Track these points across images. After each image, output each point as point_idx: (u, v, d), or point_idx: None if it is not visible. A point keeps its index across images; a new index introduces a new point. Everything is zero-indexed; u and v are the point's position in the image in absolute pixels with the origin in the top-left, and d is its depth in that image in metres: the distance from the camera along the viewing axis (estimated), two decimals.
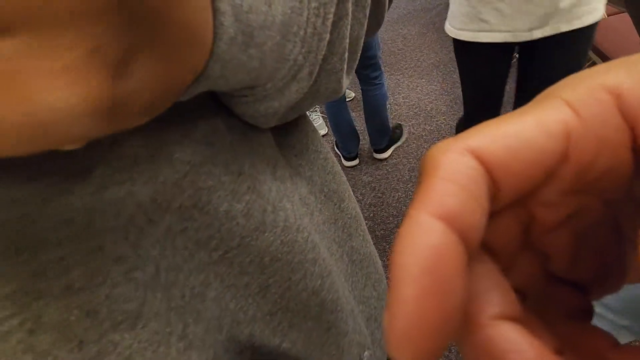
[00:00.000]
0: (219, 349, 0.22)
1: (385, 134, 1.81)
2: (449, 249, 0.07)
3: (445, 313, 0.07)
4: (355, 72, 1.57)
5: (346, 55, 0.22)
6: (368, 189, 1.76)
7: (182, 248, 0.19)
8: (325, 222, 0.30)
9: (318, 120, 2.08)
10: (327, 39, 0.20)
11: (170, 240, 0.19)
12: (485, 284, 0.09)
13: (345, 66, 0.23)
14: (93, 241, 0.16)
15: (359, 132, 1.85)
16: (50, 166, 0.15)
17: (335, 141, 1.90)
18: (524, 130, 0.08)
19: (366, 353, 0.32)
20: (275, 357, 0.26)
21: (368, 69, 1.59)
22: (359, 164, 1.89)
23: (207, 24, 0.13)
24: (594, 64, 1.67)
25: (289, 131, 0.29)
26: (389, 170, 1.82)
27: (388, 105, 1.78)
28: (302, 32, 0.18)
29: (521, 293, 0.10)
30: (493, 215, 0.09)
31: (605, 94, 0.08)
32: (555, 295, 0.11)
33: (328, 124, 2.07)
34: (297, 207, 0.25)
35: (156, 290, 0.18)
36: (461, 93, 1.33)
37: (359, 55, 0.26)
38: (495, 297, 0.08)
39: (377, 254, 0.39)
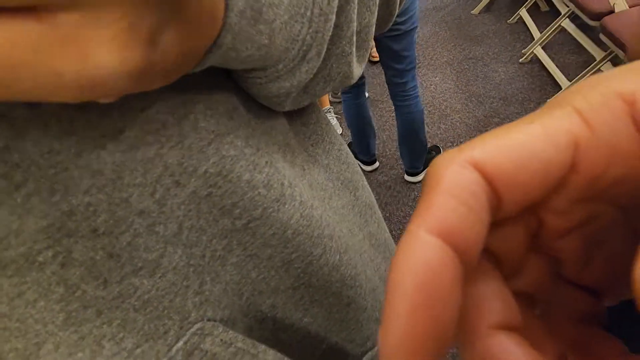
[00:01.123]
0: (237, 312, 0.23)
1: (422, 155, 1.61)
2: (443, 265, 0.07)
3: (437, 328, 0.07)
4: (388, 84, 1.44)
5: (354, 39, 0.24)
6: (384, 188, 1.76)
7: (206, 212, 0.21)
8: (344, 206, 0.32)
9: (333, 121, 2.09)
10: (333, 20, 0.21)
11: (195, 203, 0.20)
12: (486, 292, 0.09)
13: (354, 50, 0.24)
14: (119, 193, 0.18)
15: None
16: (85, 123, 0.17)
17: (352, 147, 1.79)
18: (531, 141, 0.08)
19: None
20: (297, 331, 0.27)
21: (405, 75, 1.40)
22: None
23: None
24: (615, 56, 1.63)
25: (305, 123, 0.30)
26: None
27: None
28: (309, 13, 0.19)
29: (530, 296, 0.11)
30: (499, 222, 0.09)
31: (619, 101, 0.08)
32: (566, 298, 0.11)
33: (343, 124, 2.07)
34: (307, 189, 0.26)
35: (177, 247, 0.20)
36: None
37: (369, 44, 0.27)
38: (495, 306, 0.09)
39: (393, 243, 0.40)
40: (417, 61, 1.49)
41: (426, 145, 1.60)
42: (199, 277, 0.21)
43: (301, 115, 0.30)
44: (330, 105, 2.12)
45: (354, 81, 0.27)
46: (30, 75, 0.11)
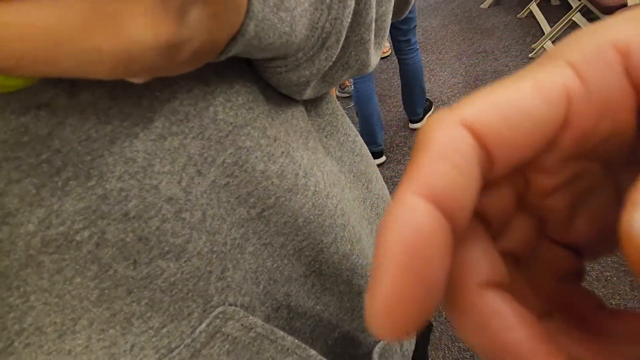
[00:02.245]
0: (255, 299, 0.24)
1: (422, 100, 1.90)
2: (431, 229, 0.07)
3: (424, 292, 0.07)
4: (394, 42, 1.71)
5: (373, 26, 0.24)
6: (390, 183, 1.76)
7: (225, 201, 0.21)
8: (355, 199, 0.32)
9: None
10: (352, 7, 0.21)
11: (215, 192, 0.21)
12: (475, 252, 0.09)
13: (373, 37, 0.25)
14: (150, 180, 0.19)
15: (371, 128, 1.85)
16: (119, 113, 0.17)
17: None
18: (522, 98, 0.08)
19: None
20: (310, 318, 0.28)
21: (408, 34, 1.69)
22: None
23: None
24: None
25: (320, 114, 0.30)
26: None
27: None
28: (328, 0, 0.20)
29: (514, 255, 0.10)
30: (488, 183, 0.08)
31: (613, 52, 0.08)
32: (549, 257, 0.11)
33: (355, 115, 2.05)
34: (328, 176, 0.27)
35: (201, 233, 0.21)
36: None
37: (386, 32, 0.27)
38: (483, 265, 0.08)
39: None
40: (425, 55, 1.75)
41: (425, 90, 1.91)
42: (221, 263, 0.22)
43: (316, 107, 0.30)
44: (337, 101, 2.12)
45: (371, 69, 0.27)
46: (74, 52, 0.11)
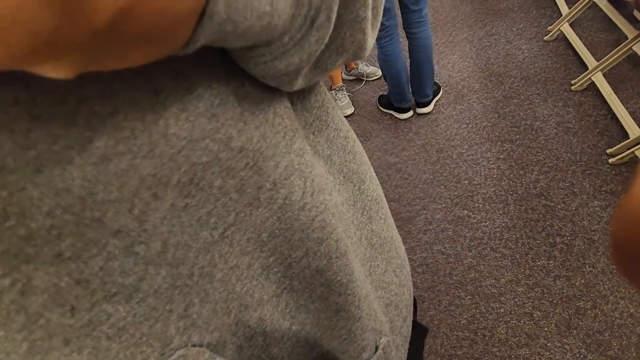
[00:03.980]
0: (226, 332, 0.22)
1: (432, 81, 1.83)
2: None
3: None
4: (404, 13, 1.63)
5: (370, 1, 0.21)
6: (394, 170, 1.73)
7: (187, 226, 0.19)
8: (343, 203, 0.29)
9: (344, 99, 2.04)
10: None
11: (176, 217, 0.18)
12: None
13: (370, 14, 0.21)
14: (91, 212, 0.16)
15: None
16: (45, 135, 0.14)
17: (385, 99, 1.95)
18: None
19: (383, 340, 0.31)
20: (287, 341, 0.25)
21: (420, 2, 1.60)
22: (384, 144, 1.85)
23: None
24: None
25: (306, 107, 0.27)
26: (417, 151, 1.77)
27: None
28: None
29: None
30: None
31: None
32: None
33: (355, 104, 2.02)
34: (313, 182, 0.24)
35: (160, 267, 0.18)
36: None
37: (381, 8, 0.24)
38: None
39: (400, 239, 0.37)
40: (434, 38, 1.71)
41: (434, 70, 1.82)
42: (185, 299, 0.19)
43: (303, 99, 0.26)
44: (343, 83, 2.06)
45: (367, 53, 0.24)
46: (183, 23, 0.10)
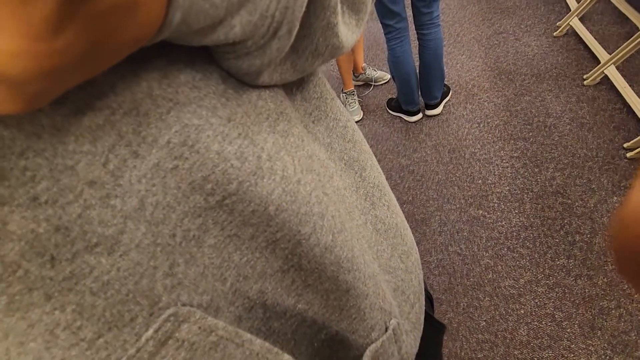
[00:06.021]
0: (220, 299, 0.21)
1: (441, 83, 1.81)
2: None
3: None
4: (416, 15, 1.63)
5: (339, 8, 0.22)
6: (406, 172, 1.72)
7: (174, 187, 0.19)
8: (346, 188, 0.30)
9: (354, 105, 2.04)
10: None
11: (159, 177, 0.18)
12: None
13: (341, 19, 0.23)
14: (63, 159, 0.16)
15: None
16: None
17: (394, 102, 1.96)
18: None
19: (393, 321, 0.31)
20: (291, 318, 0.25)
21: (432, 5, 1.57)
22: (396, 147, 1.85)
23: None
24: None
25: (306, 98, 0.28)
26: (428, 152, 1.76)
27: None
28: None
29: None
30: None
31: None
32: None
33: (364, 109, 2.02)
34: (300, 161, 0.24)
35: (139, 223, 0.18)
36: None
37: (367, 7, 0.25)
38: None
39: (406, 227, 0.37)
40: (443, 40, 1.65)
41: (444, 72, 1.80)
42: (168, 258, 0.19)
43: (302, 90, 0.28)
44: (354, 88, 2.07)
45: (347, 50, 0.25)
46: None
